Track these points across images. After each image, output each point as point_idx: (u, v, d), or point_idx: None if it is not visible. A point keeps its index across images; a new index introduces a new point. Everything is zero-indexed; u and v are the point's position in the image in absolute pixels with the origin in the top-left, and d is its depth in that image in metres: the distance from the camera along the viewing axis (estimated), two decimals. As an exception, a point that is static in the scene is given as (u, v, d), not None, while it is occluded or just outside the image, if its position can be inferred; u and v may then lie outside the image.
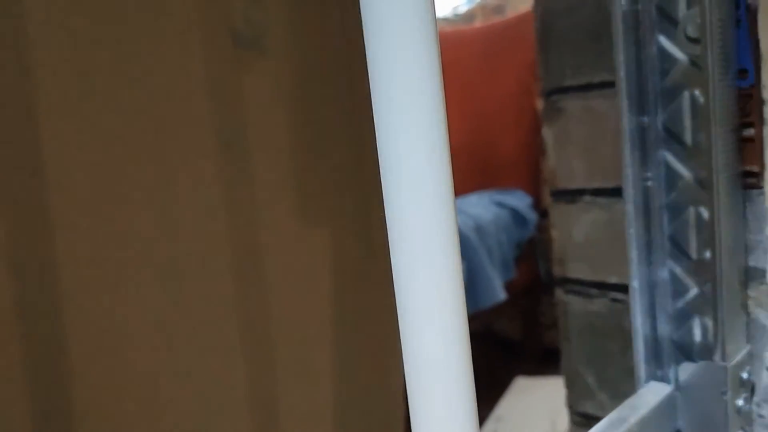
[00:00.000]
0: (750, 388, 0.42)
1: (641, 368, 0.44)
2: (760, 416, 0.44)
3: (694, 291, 0.43)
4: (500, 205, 1.53)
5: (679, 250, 0.43)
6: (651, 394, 0.41)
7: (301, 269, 0.54)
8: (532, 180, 1.66)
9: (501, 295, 1.37)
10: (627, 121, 0.42)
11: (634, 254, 0.43)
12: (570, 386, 0.65)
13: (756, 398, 0.43)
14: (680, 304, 0.43)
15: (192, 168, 0.48)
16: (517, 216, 1.54)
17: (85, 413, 0.40)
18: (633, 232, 0.42)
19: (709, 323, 0.42)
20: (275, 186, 0.51)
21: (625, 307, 0.58)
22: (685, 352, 0.43)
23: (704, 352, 0.42)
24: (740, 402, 0.41)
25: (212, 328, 0.50)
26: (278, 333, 0.54)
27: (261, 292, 0.52)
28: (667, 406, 0.41)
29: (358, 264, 0.57)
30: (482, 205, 1.49)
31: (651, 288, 0.44)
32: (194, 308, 0.48)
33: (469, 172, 1.68)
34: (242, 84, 0.49)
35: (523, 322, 1.75)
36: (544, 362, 1.60)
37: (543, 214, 1.72)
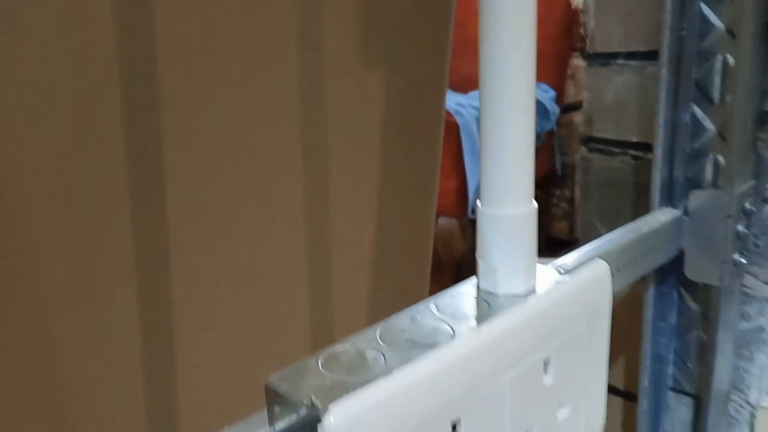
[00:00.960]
0: (750, 217, 0.48)
1: (656, 197, 0.50)
2: (756, 245, 0.50)
3: (711, 132, 0.48)
4: (524, 95, 1.57)
5: (703, 94, 0.48)
6: (662, 215, 0.48)
7: (356, 111, 0.59)
8: (558, 74, 1.68)
9: (518, 179, 1.43)
10: (671, -28, 0.46)
11: (663, 94, 0.48)
12: (583, 237, 0.72)
13: (754, 229, 0.50)
14: (698, 144, 0.49)
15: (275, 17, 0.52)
16: (539, 107, 1.58)
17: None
18: (665, 73, 0.47)
19: (722, 159, 0.48)
20: (341, 22, 0.56)
21: (643, 164, 0.64)
22: (697, 186, 0.49)
23: (714, 184, 0.48)
24: (740, 227, 0.48)
25: (278, 178, 0.55)
26: (331, 172, 0.61)
27: (320, 127, 0.58)
28: (674, 226, 0.48)
29: (406, 106, 0.63)
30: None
31: (673, 128, 0.49)
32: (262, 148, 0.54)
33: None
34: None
35: (535, 213, 1.82)
36: (550, 250, 1.68)
37: (564, 109, 1.76)
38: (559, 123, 1.69)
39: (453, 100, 1.46)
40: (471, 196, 1.46)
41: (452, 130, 1.40)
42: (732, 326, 0.52)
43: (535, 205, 0.30)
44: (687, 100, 0.49)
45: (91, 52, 0.39)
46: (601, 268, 0.32)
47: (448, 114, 1.41)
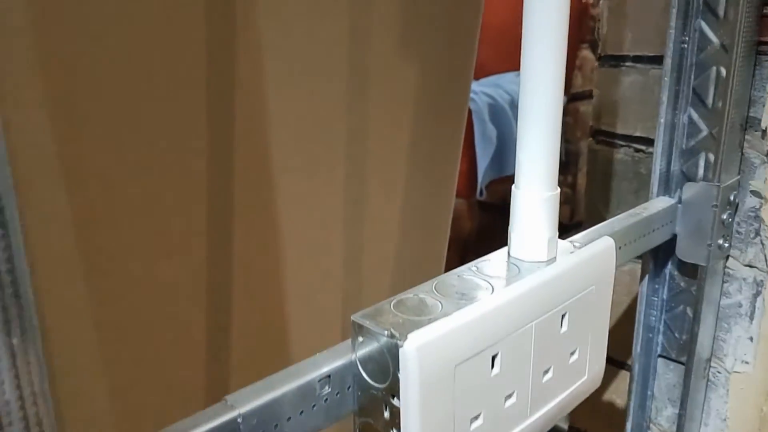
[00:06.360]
0: (735, 207, 0.56)
1: (655, 186, 0.57)
2: (738, 232, 0.58)
3: (704, 132, 0.56)
4: (533, 84, 1.64)
5: (699, 99, 0.56)
6: (659, 203, 0.55)
7: (393, 100, 0.67)
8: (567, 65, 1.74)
9: (525, 165, 1.50)
10: (676, -7, 0.54)
11: (664, 98, 0.55)
12: (588, 219, 0.80)
13: (737, 218, 0.58)
14: (692, 143, 0.57)
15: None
16: (547, 96, 1.65)
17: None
18: (667, 80, 0.55)
19: (712, 157, 0.55)
20: (384, 21, 0.63)
21: (644, 157, 0.71)
22: (690, 179, 0.57)
23: (704, 178, 0.56)
24: (725, 216, 0.55)
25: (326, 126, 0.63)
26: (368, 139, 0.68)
27: (363, 118, 0.66)
28: (669, 213, 0.55)
29: (437, 91, 0.71)
30: (518, 83, 1.60)
31: (672, 128, 0.57)
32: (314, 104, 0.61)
33: (510, 50, 1.77)
34: None
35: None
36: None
37: (571, 98, 1.83)
38: (565, 111, 1.76)
39: (465, 87, 1.53)
40: (480, 178, 1.54)
41: (464, 115, 1.47)
42: (714, 302, 0.60)
43: (558, 190, 0.38)
44: (685, 104, 0.56)
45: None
46: (608, 243, 0.40)
47: (461, 100, 1.48)
